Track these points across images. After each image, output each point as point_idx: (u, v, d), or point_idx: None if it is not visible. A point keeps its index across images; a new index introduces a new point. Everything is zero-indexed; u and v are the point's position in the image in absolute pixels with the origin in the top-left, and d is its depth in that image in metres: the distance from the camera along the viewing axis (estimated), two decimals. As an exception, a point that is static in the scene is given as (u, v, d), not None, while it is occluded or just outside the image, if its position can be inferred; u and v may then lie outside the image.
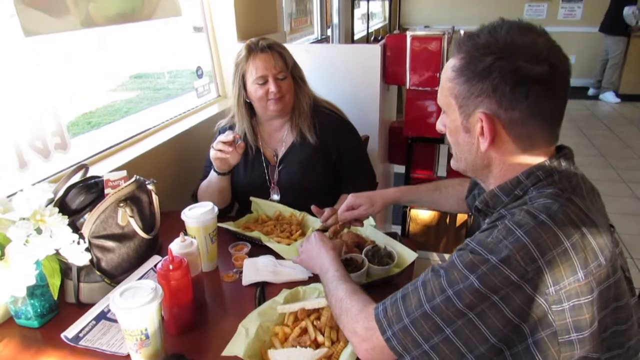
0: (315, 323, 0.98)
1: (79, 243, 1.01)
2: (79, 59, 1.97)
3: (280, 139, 1.68)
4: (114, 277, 1.15)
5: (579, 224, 0.73)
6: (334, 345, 0.93)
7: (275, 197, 1.65)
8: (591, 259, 0.71)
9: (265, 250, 1.32)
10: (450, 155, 0.93)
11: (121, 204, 1.14)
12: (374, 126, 2.32)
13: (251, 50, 1.55)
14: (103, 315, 1.06)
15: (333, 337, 0.95)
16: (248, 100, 1.61)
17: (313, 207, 1.39)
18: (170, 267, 0.97)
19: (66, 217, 1.01)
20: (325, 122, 1.67)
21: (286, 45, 1.66)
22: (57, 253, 0.99)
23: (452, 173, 1.91)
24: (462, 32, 1.02)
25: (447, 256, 2.59)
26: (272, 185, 1.65)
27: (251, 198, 1.57)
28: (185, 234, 1.15)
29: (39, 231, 0.96)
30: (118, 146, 1.69)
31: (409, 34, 2.24)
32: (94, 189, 1.16)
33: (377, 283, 1.15)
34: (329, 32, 4.46)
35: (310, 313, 1.01)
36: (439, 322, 0.73)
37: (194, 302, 1.04)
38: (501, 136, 0.80)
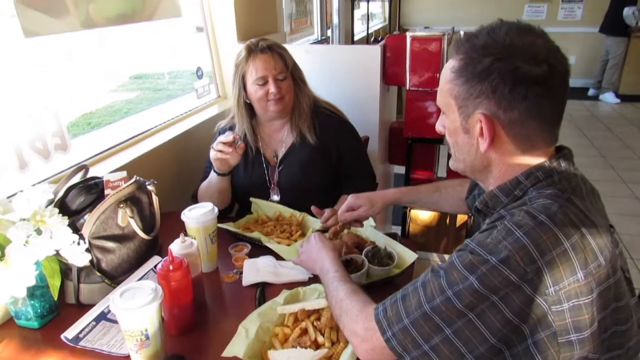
0: (315, 324, 0.98)
1: (79, 244, 1.01)
2: (79, 59, 1.97)
3: (280, 139, 1.68)
4: (114, 277, 1.15)
5: (578, 224, 0.73)
6: (334, 346, 0.93)
7: (275, 197, 1.65)
8: (591, 260, 0.71)
9: (265, 250, 1.32)
10: (449, 156, 0.93)
11: (121, 205, 1.14)
12: (374, 127, 2.32)
13: (251, 51, 1.55)
14: (103, 316, 1.06)
15: (333, 337, 0.95)
16: (248, 101, 1.61)
17: (313, 208, 1.39)
18: (171, 267, 0.97)
19: (66, 217, 1.01)
20: (325, 122, 1.67)
21: (286, 45, 1.66)
22: (57, 254, 0.99)
23: (452, 174, 1.91)
24: (462, 32, 1.02)
25: (447, 257, 2.59)
26: (272, 185, 1.65)
27: (251, 199, 1.57)
28: (186, 234, 1.15)
29: (39, 232, 0.96)
30: (118, 147, 1.69)
31: (408, 34, 2.24)
32: (94, 189, 1.16)
33: (377, 284, 1.15)
34: (329, 32, 4.46)
35: (311, 314, 1.01)
36: (438, 322, 0.73)
37: (194, 302, 1.04)
38: (500, 137, 0.80)
